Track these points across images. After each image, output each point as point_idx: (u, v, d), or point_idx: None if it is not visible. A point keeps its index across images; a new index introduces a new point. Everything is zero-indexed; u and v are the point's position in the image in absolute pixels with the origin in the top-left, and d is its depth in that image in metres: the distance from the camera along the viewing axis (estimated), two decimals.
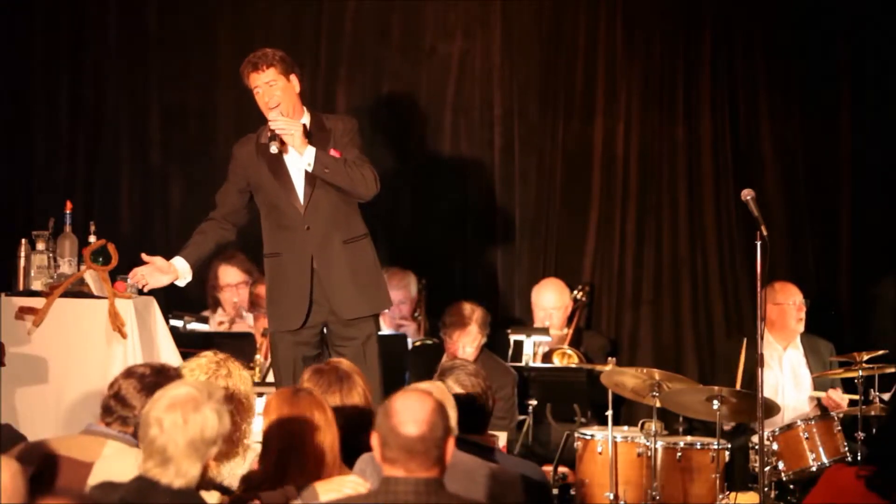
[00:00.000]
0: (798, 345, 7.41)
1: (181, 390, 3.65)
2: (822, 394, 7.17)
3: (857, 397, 6.93)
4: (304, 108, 6.09)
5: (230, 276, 7.45)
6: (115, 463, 4.17)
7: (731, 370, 7.22)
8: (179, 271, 6.10)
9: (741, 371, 7.06)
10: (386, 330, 7.51)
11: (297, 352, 6.02)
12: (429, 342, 7.44)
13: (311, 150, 5.89)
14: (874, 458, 4.56)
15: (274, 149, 5.90)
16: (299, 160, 5.93)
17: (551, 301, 7.62)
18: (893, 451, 4.44)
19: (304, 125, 5.96)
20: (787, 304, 7.30)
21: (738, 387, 6.98)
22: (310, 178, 5.97)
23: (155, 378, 4.30)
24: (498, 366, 6.87)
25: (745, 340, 7.18)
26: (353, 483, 4.07)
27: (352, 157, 5.99)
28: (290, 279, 6.03)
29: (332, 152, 5.97)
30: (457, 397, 4.68)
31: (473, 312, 6.94)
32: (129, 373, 4.33)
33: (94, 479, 4.10)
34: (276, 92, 5.97)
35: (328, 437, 4.17)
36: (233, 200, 6.17)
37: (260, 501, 4.03)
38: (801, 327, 7.37)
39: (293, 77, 6.03)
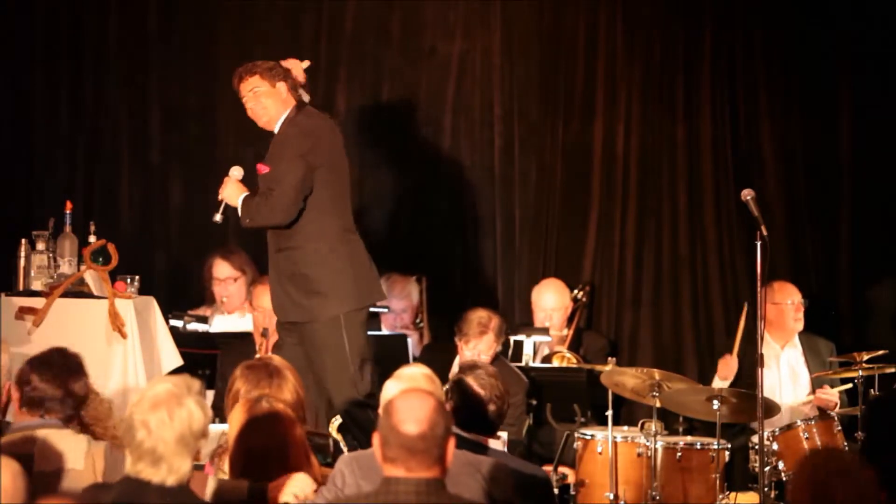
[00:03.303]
0: (796, 344, 7.41)
1: (160, 388, 3.64)
2: (811, 397, 7.17)
3: (848, 386, 6.95)
4: (292, 107, 6.12)
5: (221, 270, 7.46)
6: (62, 447, 4.26)
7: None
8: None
9: (740, 335, 7.08)
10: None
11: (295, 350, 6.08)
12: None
13: (239, 203, 6.06)
14: (873, 460, 4.55)
15: (217, 217, 6.07)
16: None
17: (551, 301, 7.61)
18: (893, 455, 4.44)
19: (237, 178, 6.11)
20: (784, 304, 7.30)
21: (735, 351, 7.08)
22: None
23: (63, 360, 4.44)
24: (511, 373, 6.86)
25: (745, 306, 7.21)
26: (301, 482, 4.07)
27: (272, 183, 6.00)
28: None
29: (261, 167, 6.08)
30: (472, 397, 4.69)
31: (491, 320, 6.92)
32: (37, 364, 4.42)
33: (52, 465, 4.14)
34: (260, 99, 6.05)
35: (296, 437, 4.17)
36: None
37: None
38: (800, 327, 7.37)
39: (280, 84, 6.06)
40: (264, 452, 4.12)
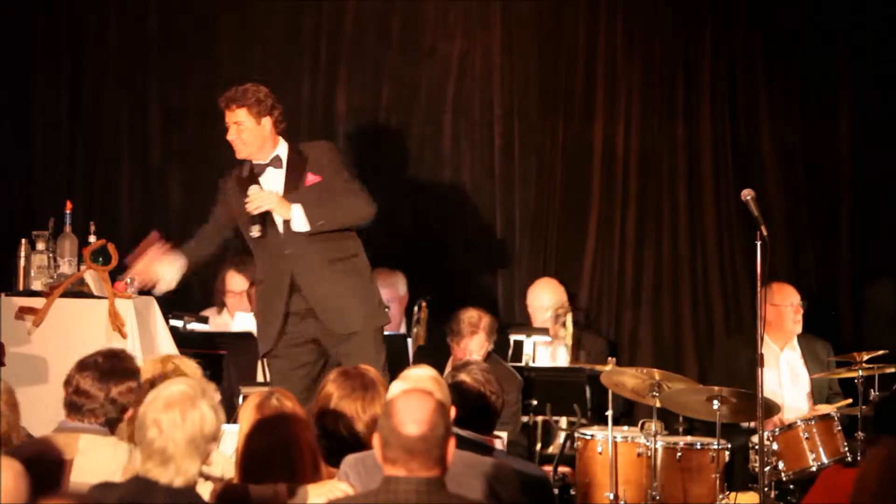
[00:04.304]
0: (795, 345, 7.41)
1: (175, 388, 3.64)
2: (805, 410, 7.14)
3: (847, 402, 6.92)
4: (280, 139, 6.11)
5: (236, 283, 7.44)
6: (93, 455, 4.20)
7: (730, 369, 7.24)
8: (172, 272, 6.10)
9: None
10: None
11: (292, 374, 6.05)
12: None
13: (296, 210, 5.95)
14: None
15: (255, 233, 5.99)
16: (273, 185, 6.02)
17: (546, 300, 7.58)
18: None
19: (276, 192, 6.00)
20: (784, 307, 7.30)
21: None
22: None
23: (110, 363, 4.34)
24: (504, 371, 6.86)
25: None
26: (342, 490, 4.07)
27: (339, 184, 6.01)
28: (268, 303, 6.14)
29: (311, 177, 6.02)
30: (468, 393, 4.69)
31: (481, 319, 6.93)
32: (82, 366, 4.35)
33: (76, 475, 4.12)
34: (242, 134, 6.03)
35: (305, 437, 4.17)
36: (217, 225, 6.26)
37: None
38: (798, 328, 7.37)
39: (266, 119, 6.03)
40: (270, 452, 4.12)
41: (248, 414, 4.18)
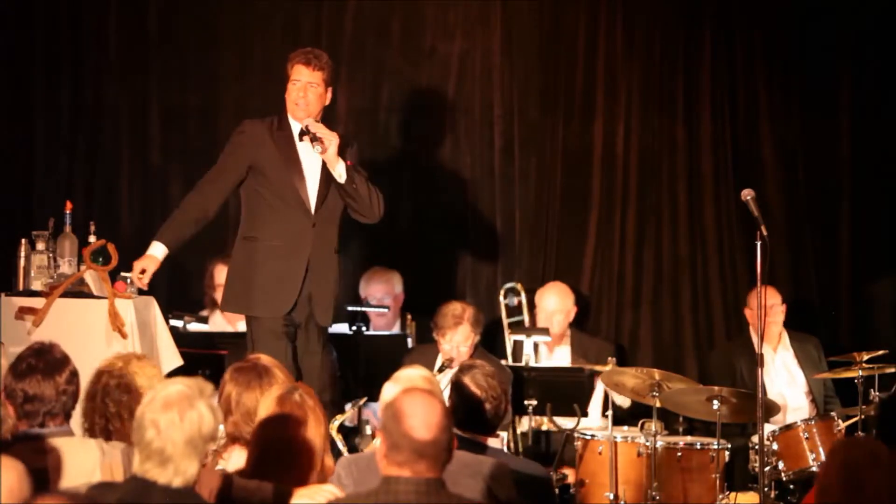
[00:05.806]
0: (787, 345, 7.42)
1: (172, 389, 3.63)
2: None
3: (853, 421, 6.91)
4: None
5: (223, 277, 7.42)
6: (68, 459, 4.16)
7: (731, 374, 7.23)
8: (159, 257, 6.06)
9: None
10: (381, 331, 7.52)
11: (285, 346, 6.03)
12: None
13: (342, 164, 5.97)
14: None
15: (318, 149, 5.93)
16: (314, 159, 5.98)
17: (552, 304, 7.55)
18: None
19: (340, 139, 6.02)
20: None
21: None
22: (324, 179, 5.99)
23: (44, 360, 4.31)
24: (494, 365, 6.84)
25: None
26: (329, 491, 4.07)
27: (363, 177, 6.09)
28: (285, 268, 6.05)
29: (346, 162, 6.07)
30: (469, 398, 4.70)
31: (465, 311, 6.89)
32: (19, 374, 4.29)
33: (67, 480, 4.10)
34: (311, 97, 6.00)
35: (318, 436, 4.18)
36: (229, 177, 6.14)
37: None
38: (779, 320, 7.35)
39: (329, 91, 6.08)
40: (282, 446, 4.13)
41: (268, 404, 4.19)
